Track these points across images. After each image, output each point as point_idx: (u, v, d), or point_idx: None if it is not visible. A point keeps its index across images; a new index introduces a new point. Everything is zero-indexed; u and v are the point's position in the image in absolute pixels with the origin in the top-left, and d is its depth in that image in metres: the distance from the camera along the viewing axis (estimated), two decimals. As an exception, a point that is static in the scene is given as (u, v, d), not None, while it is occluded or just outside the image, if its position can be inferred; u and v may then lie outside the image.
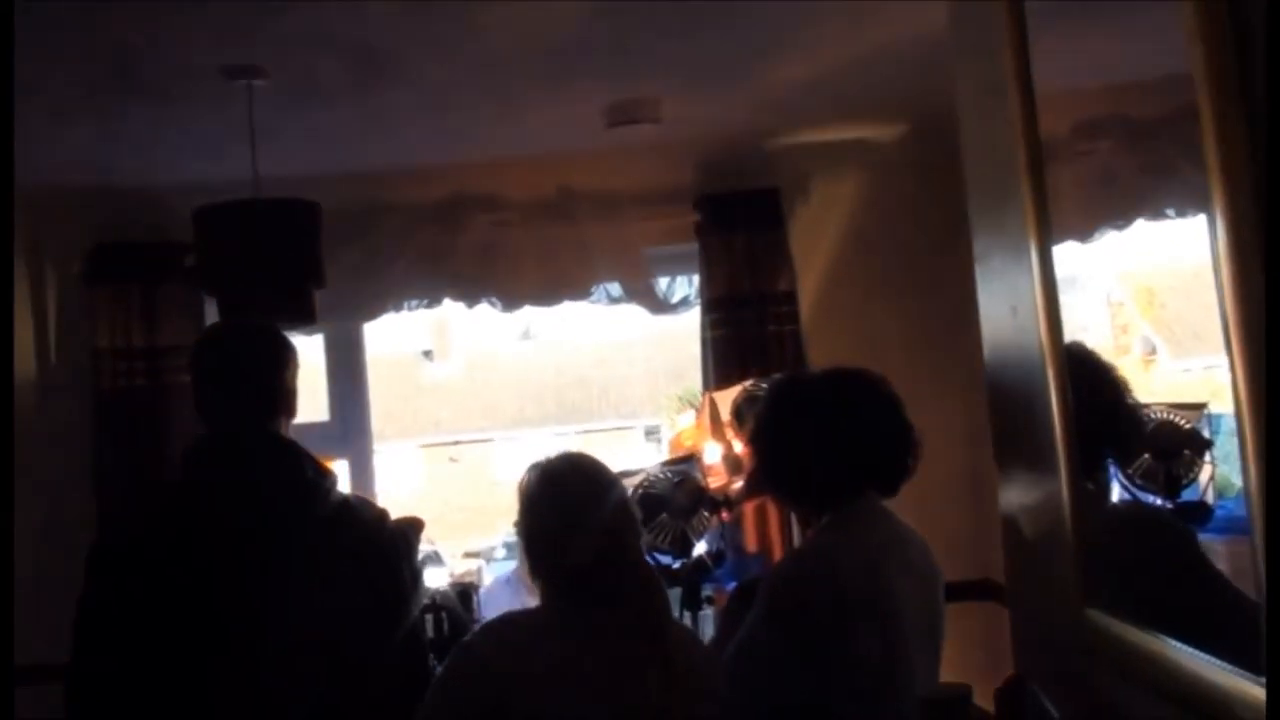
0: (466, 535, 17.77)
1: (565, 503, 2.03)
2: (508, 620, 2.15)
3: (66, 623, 2.31)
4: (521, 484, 2.10)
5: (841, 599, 2.08)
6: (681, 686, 1.97)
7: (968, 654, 2.50)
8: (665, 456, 3.38)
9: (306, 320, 3.24)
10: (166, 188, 3.89)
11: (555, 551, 2.02)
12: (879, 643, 2.07)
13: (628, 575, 2.00)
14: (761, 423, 2.36)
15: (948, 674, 2.26)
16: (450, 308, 4.42)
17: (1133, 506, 1.94)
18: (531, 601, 2.12)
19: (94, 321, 4.10)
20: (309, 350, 4.71)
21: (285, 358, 2.45)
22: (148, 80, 3.08)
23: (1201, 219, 1.80)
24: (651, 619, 1.99)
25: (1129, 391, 1.92)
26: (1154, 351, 2.03)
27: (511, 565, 5.11)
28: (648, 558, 2.91)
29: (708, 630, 3.01)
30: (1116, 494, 1.98)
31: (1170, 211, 2.17)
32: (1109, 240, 2.21)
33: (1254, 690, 1.20)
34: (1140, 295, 2.09)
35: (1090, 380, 1.83)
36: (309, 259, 3.18)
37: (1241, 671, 1.25)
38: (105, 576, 2.32)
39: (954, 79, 2.27)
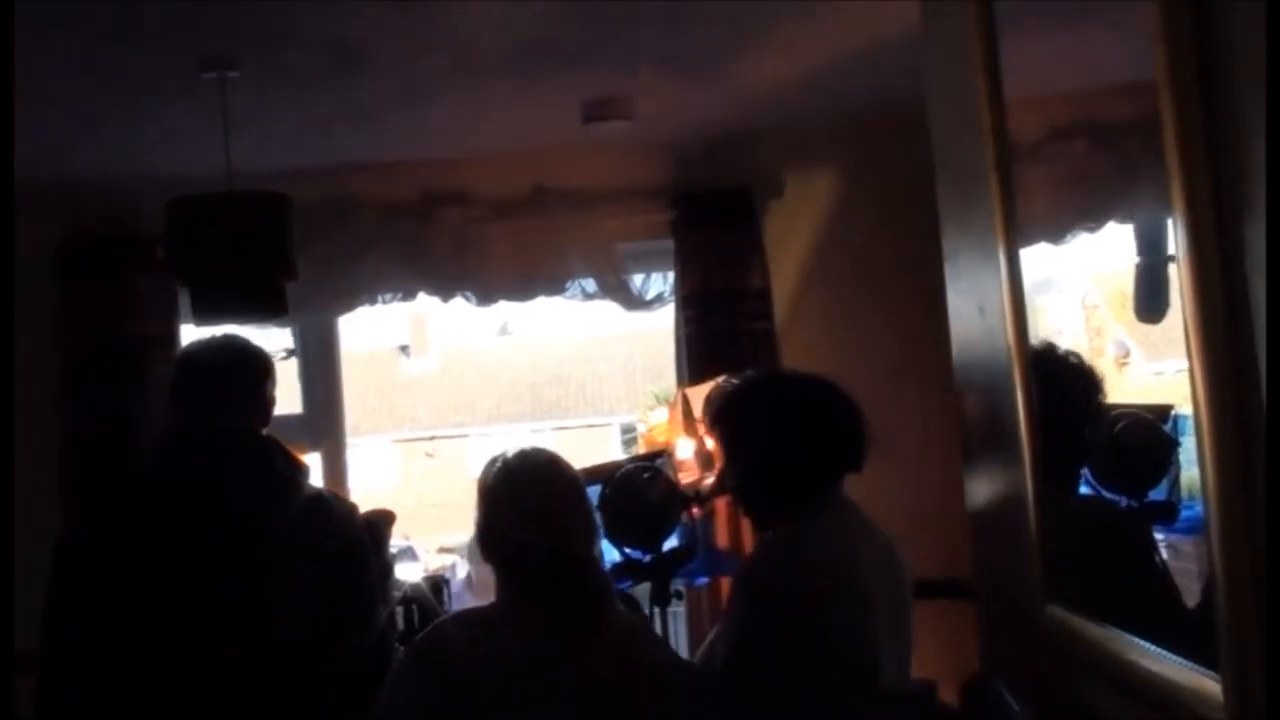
0: (441, 530, 17.72)
1: (517, 493, 2.16)
2: (461, 614, 2.30)
3: (29, 616, 2.31)
4: (481, 476, 2.23)
5: (817, 585, 2.08)
6: (630, 672, 2.06)
7: (935, 651, 2.52)
8: (639, 452, 3.38)
9: (277, 313, 3.25)
10: (138, 180, 3.86)
11: (504, 538, 2.15)
12: (851, 630, 2.08)
13: (569, 563, 2.13)
14: (723, 436, 2.40)
15: (916, 669, 2.27)
16: (426, 302, 4.42)
17: (1092, 502, 1.95)
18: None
19: (64, 315, 4.06)
20: (283, 341, 4.71)
21: (263, 371, 2.53)
22: (120, 72, 3.07)
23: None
24: (586, 605, 2.11)
25: (1100, 392, 1.93)
26: (1128, 354, 2.04)
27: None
28: (620, 551, 2.93)
29: (678, 626, 3.02)
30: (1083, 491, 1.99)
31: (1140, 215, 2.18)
32: (1083, 243, 2.23)
33: (1209, 685, 1.22)
34: (1114, 298, 2.10)
35: (1063, 382, 1.85)
36: (280, 252, 3.17)
37: (1197, 667, 1.26)
38: (71, 572, 2.32)
39: (924, 78, 2.28)
